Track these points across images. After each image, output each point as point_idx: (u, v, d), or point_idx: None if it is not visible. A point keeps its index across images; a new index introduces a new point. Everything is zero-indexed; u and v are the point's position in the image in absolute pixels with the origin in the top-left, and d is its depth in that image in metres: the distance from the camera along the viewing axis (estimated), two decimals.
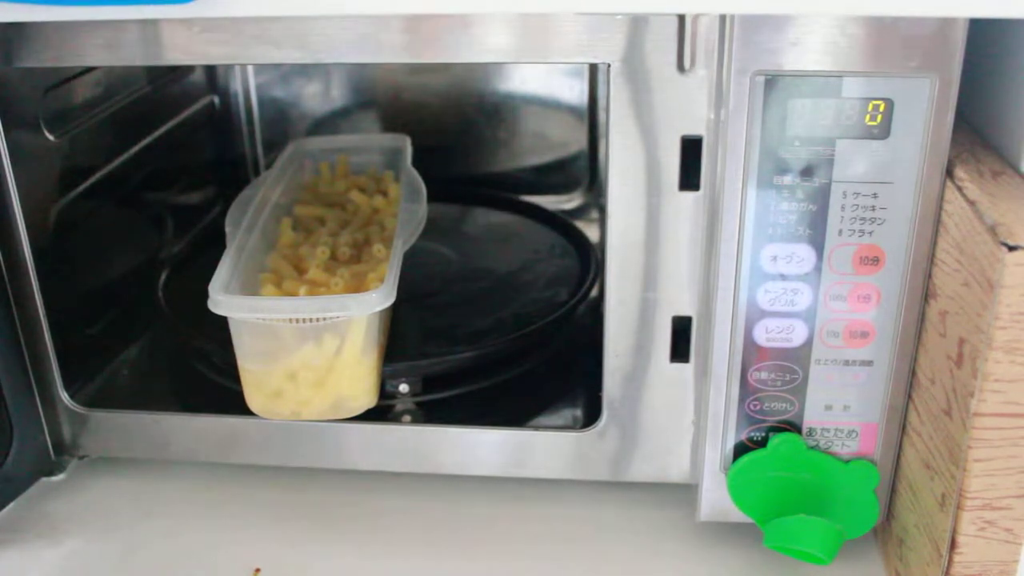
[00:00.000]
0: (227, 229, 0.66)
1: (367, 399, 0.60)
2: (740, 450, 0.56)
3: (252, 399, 0.60)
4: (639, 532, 0.61)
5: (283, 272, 0.64)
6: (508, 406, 0.65)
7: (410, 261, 0.64)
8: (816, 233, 0.50)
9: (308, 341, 0.57)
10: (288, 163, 0.79)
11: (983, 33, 0.49)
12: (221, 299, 0.57)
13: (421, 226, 0.68)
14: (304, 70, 0.92)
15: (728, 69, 0.48)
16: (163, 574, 0.59)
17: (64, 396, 0.63)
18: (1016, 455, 0.45)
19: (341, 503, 0.64)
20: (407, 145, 0.80)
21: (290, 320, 0.56)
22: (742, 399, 0.54)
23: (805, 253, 0.51)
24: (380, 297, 0.57)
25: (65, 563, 0.60)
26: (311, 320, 0.56)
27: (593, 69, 0.88)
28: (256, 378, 0.59)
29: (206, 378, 0.68)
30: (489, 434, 0.61)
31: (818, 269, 0.51)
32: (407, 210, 0.69)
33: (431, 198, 0.71)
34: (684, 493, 0.61)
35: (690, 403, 0.57)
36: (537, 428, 0.62)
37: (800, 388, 0.54)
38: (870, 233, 0.50)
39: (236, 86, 0.93)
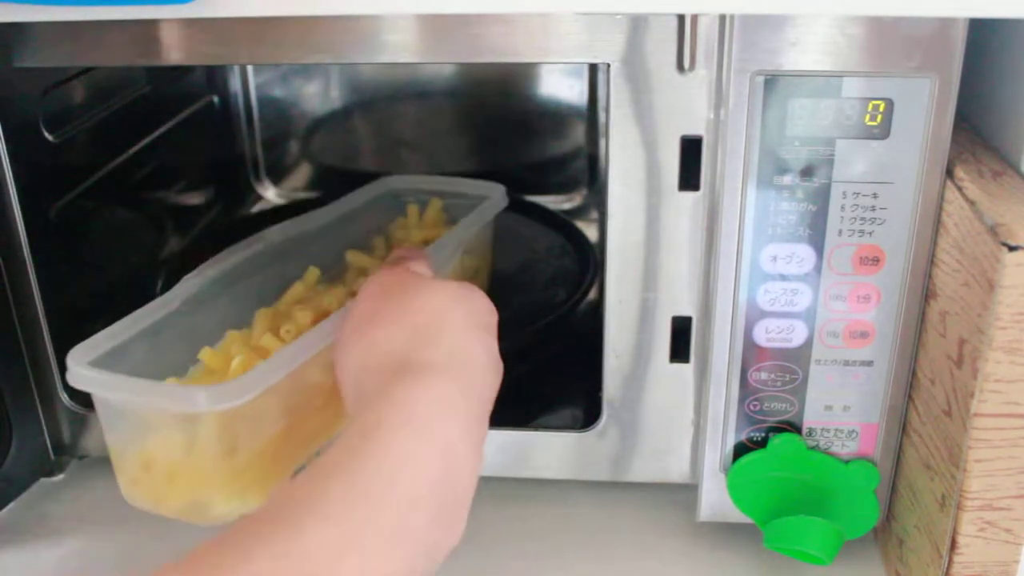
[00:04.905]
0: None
1: (232, 505, 0.50)
2: (740, 450, 0.56)
3: (118, 479, 0.52)
4: (639, 532, 0.61)
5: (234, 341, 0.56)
6: (508, 406, 0.65)
7: None
8: (816, 233, 0.50)
9: (156, 431, 0.50)
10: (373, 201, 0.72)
11: (983, 33, 0.49)
12: (71, 365, 0.49)
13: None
14: (304, 70, 0.92)
15: (728, 69, 0.48)
16: None
17: (64, 396, 0.63)
18: (1016, 455, 0.45)
19: None
20: (498, 196, 0.70)
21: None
22: (742, 399, 0.54)
23: (805, 253, 0.51)
24: (236, 390, 0.47)
25: (65, 563, 0.60)
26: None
27: (593, 69, 0.88)
28: (115, 458, 0.51)
29: None
30: (489, 434, 0.61)
31: (818, 269, 0.51)
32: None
33: None
34: (684, 493, 0.61)
35: (690, 403, 0.57)
36: (537, 428, 0.62)
37: (800, 388, 0.54)
38: (870, 233, 0.50)
39: (236, 86, 0.93)
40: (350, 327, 0.47)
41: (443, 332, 0.45)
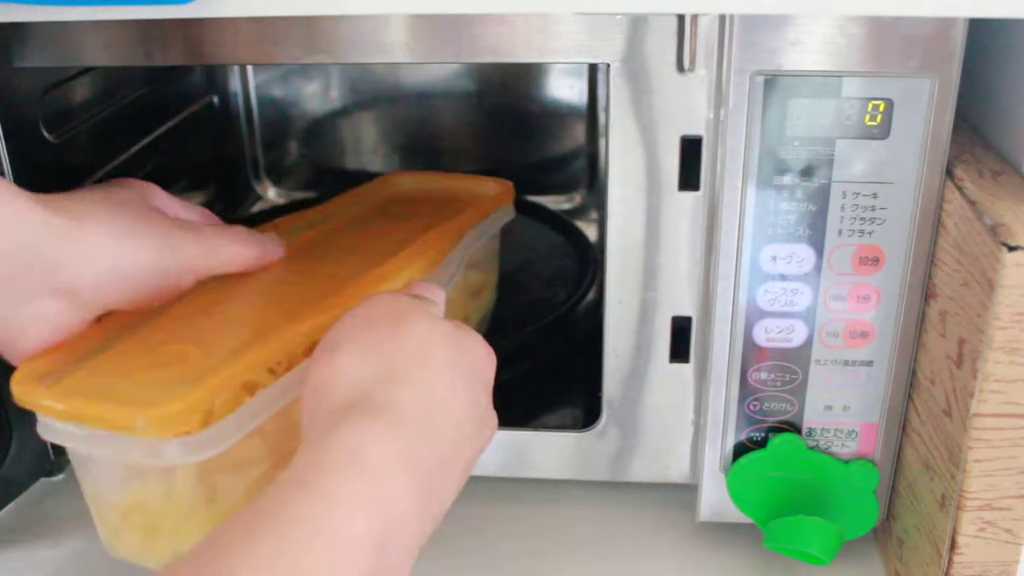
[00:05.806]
0: None
1: None
2: (740, 450, 0.56)
3: (98, 529, 0.49)
4: (639, 532, 0.61)
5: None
6: (508, 406, 0.65)
7: None
8: (816, 233, 0.50)
9: (131, 481, 0.46)
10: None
11: (983, 33, 0.49)
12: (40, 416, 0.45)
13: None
14: (304, 70, 0.92)
15: (728, 69, 0.48)
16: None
17: None
18: (1016, 456, 0.45)
19: None
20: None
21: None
22: (742, 399, 0.54)
23: (805, 253, 0.51)
24: (212, 440, 0.43)
25: (65, 563, 0.60)
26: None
27: (593, 69, 0.88)
28: (92, 508, 0.49)
29: None
30: None
31: (818, 269, 0.51)
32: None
33: None
34: (684, 493, 0.61)
35: (690, 403, 0.57)
36: (537, 428, 0.62)
37: (800, 388, 0.54)
38: (870, 233, 0.50)
39: (236, 86, 0.93)
40: (320, 348, 0.42)
41: (420, 372, 0.40)
